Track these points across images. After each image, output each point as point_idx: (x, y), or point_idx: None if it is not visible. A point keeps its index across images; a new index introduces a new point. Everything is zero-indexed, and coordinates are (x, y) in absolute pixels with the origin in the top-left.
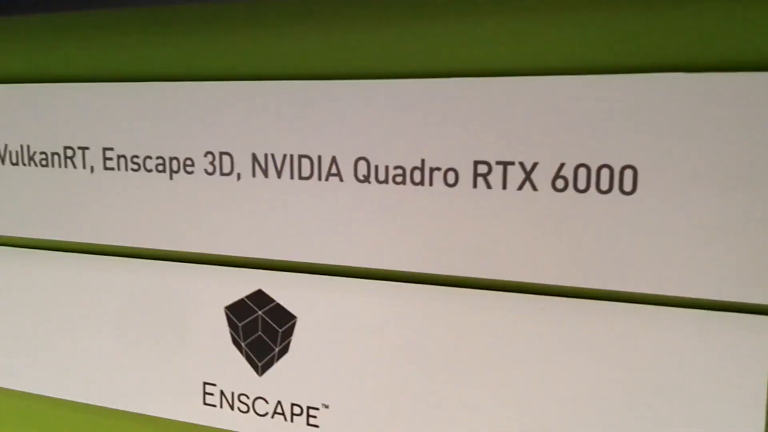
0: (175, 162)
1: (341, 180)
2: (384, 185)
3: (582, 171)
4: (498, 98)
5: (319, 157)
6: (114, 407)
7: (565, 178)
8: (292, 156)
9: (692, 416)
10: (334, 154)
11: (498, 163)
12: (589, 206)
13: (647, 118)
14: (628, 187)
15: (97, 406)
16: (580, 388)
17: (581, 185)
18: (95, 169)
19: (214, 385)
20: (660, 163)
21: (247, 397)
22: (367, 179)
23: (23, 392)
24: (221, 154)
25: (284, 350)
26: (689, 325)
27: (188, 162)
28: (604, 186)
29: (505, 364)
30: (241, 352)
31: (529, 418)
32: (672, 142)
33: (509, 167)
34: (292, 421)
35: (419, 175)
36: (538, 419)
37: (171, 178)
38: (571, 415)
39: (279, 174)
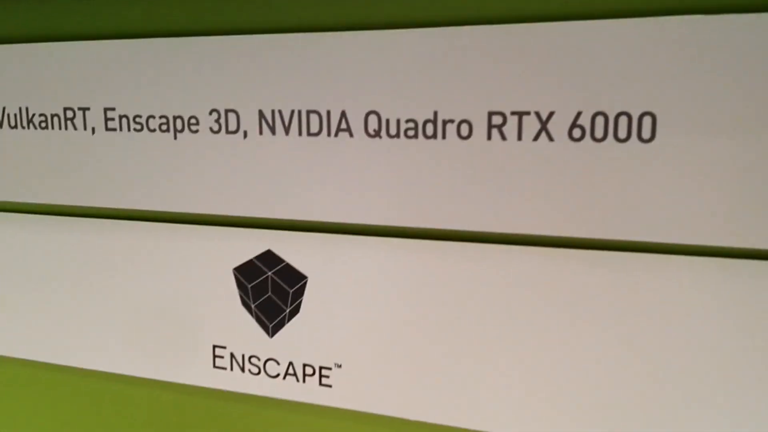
0: (179, 121)
1: (351, 135)
2: (395, 139)
3: (599, 119)
4: (512, 46)
5: (328, 112)
6: (123, 372)
7: (582, 127)
8: (300, 112)
9: (712, 365)
10: (343, 109)
11: (513, 113)
12: (607, 155)
13: (665, 63)
14: (646, 134)
15: (107, 372)
16: (600, 339)
17: (599, 134)
18: (96, 130)
19: (224, 347)
20: (679, 109)
21: (258, 359)
22: (378, 134)
23: (30, 360)
24: (227, 111)
25: (295, 311)
26: (712, 274)
27: (193, 121)
28: (622, 134)
29: (521, 319)
30: (251, 313)
31: (544, 371)
32: (691, 87)
33: (524, 117)
34: (304, 381)
35: (432, 128)
36: (554, 373)
37: (175, 137)
38: (588, 367)
39: (287, 131)
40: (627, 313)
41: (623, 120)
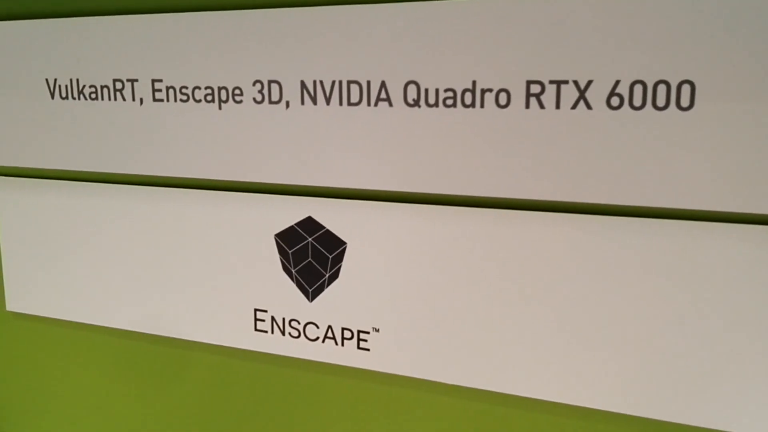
0: (223, 92)
1: (390, 105)
2: (434, 109)
3: (638, 87)
4: (550, 15)
5: (368, 83)
6: (167, 335)
7: (620, 96)
8: (340, 82)
9: (755, 329)
10: (383, 79)
11: (551, 82)
12: (646, 123)
13: (704, 30)
14: (685, 102)
15: (151, 334)
16: (642, 304)
17: (637, 102)
18: (144, 101)
19: (265, 311)
20: (719, 77)
21: (298, 323)
22: (416, 103)
23: (81, 323)
24: (270, 82)
25: (334, 276)
26: (751, 240)
27: (237, 91)
28: (661, 102)
29: (561, 286)
30: (292, 278)
31: (585, 338)
32: (731, 54)
33: (563, 86)
34: (342, 345)
35: (470, 97)
36: (596, 340)
37: (220, 108)
38: (632, 329)
39: (328, 101)
40: (666, 281)
41: (662, 88)
